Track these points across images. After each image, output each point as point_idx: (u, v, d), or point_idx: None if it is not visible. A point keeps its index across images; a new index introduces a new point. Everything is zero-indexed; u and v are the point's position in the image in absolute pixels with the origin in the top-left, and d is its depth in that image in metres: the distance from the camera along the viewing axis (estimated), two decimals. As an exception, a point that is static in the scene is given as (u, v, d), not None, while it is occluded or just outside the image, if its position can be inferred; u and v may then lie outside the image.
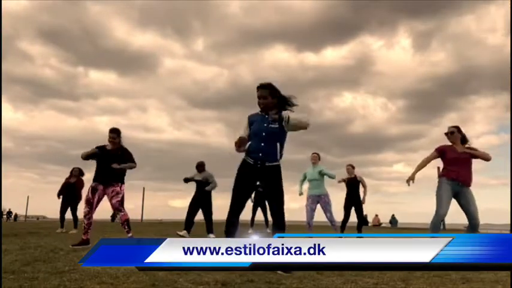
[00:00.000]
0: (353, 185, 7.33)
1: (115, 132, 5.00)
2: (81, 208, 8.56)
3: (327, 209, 6.27)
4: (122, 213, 4.91)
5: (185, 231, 6.82)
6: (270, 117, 3.01)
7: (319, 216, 6.44)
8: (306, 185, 6.56)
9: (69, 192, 8.52)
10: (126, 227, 4.90)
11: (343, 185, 7.25)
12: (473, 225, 4.12)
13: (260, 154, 3.02)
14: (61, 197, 8.57)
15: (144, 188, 19.54)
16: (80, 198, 8.59)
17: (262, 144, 3.03)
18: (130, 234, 4.86)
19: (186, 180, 7.16)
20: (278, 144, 3.07)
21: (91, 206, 4.74)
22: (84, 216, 4.77)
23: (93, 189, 4.78)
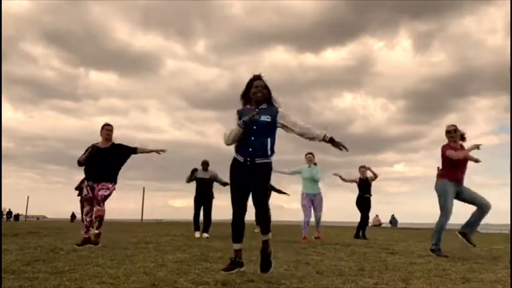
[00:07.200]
0: (364, 186, 7.35)
1: (111, 125, 4.90)
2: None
3: (320, 207, 6.37)
4: (100, 208, 4.65)
5: (197, 232, 7.02)
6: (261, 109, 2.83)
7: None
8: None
9: None
10: (97, 223, 4.71)
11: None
12: (484, 206, 4.13)
13: (250, 149, 2.79)
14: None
15: (144, 188, 19.54)
16: None
17: (253, 138, 2.79)
18: (98, 231, 4.71)
19: (190, 180, 7.16)
20: (269, 139, 2.84)
21: (92, 203, 4.71)
22: (86, 214, 4.74)
23: (91, 188, 4.73)
